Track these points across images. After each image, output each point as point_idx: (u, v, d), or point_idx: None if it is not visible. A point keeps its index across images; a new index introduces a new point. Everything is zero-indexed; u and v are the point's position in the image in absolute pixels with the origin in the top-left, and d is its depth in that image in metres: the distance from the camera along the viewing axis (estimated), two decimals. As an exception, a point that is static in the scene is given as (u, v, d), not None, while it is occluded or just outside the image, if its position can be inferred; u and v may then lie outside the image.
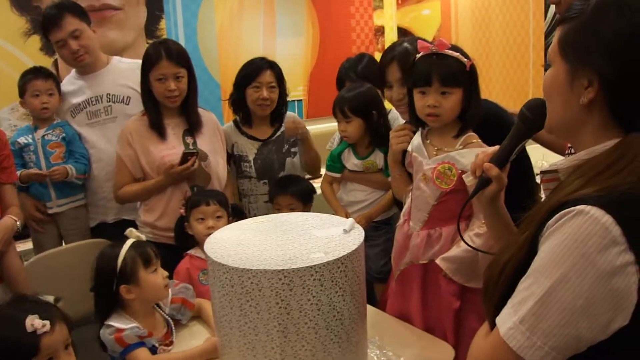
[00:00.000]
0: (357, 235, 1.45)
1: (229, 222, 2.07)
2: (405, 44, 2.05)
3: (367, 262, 2.44)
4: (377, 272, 2.48)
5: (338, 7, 5.19)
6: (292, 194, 2.47)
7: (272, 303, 1.29)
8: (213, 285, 1.39)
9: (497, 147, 1.32)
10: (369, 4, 5.40)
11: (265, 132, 2.70)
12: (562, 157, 1.63)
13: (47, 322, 1.39)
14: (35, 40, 3.72)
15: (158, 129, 2.41)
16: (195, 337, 1.80)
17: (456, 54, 1.71)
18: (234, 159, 2.71)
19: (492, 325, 0.97)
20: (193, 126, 2.46)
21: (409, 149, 1.90)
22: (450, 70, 1.70)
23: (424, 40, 1.78)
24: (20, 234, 2.38)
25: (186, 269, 2.09)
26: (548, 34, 5.07)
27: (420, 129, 1.88)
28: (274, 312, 1.29)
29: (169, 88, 2.34)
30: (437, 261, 1.77)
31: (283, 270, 1.27)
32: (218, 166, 2.51)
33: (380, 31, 5.53)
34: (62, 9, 2.55)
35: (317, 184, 2.72)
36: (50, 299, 2.60)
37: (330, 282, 1.31)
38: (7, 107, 3.50)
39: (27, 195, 2.58)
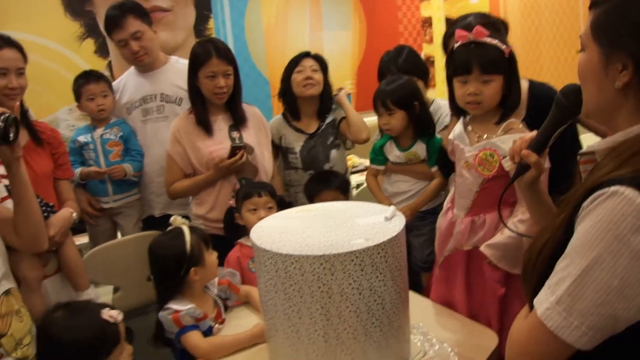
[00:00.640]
0: (398, 223, 1.47)
1: (277, 213, 2.14)
2: (470, 19, 2.05)
3: (412, 251, 2.47)
4: (422, 262, 2.49)
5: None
6: (337, 188, 2.52)
7: (315, 287, 1.33)
8: (259, 271, 1.45)
9: (535, 132, 1.32)
10: (416, -5, 5.37)
11: (312, 126, 2.76)
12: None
13: (120, 312, 1.49)
14: (89, 44, 3.88)
15: (205, 126, 2.49)
16: (243, 319, 1.89)
17: (495, 42, 1.71)
18: (281, 151, 2.79)
19: (531, 307, 0.98)
20: (238, 121, 2.53)
21: (451, 137, 1.90)
22: (490, 58, 1.70)
23: (462, 28, 1.79)
24: (77, 228, 2.50)
25: (236, 257, 2.16)
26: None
27: (461, 117, 1.88)
28: (317, 296, 1.33)
29: (219, 85, 2.41)
30: (482, 248, 1.77)
31: (324, 255, 1.31)
32: (264, 159, 2.58)
33: (427, 22, 5.47)
34: (125, 10, 2.64)
35: (361, 177, 2.74)
36: (109, 289, 2.75)
37: (371, 267, 1.34)
38: (64, 108, 3.66)
39: (82, 191, 2.69)
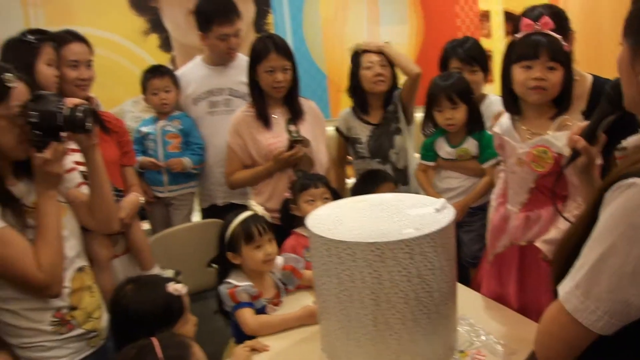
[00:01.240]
0: (448, 214, 1.52)
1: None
2: (539, 9, 2.05)
3: (462, 246, 2.49)
4: (471, 257, 2.51)
5: (442, -7, 5.16)
6: (393, 180, 2.60)
7: (365, 273, 1.40)
8: (314, 256, 1.53)
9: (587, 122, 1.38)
10: (474, -12, 5.31)
11: (377, 117, 2.82)
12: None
13: (185, 285, 1.60)
14: (154, 38, 4.06)
15: (264, 119, 2.59)
16: (301, 301, 1.96)
17: (559, 37, 1.74)
18: (350, 142, 2.88)
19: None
20: (296, 115, 2.61)
21: (498, 130, 1.92)
22: (558, 46, 1.73)
23: (528, 18, 1.81)
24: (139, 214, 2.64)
25: (292, 246, 2.25)
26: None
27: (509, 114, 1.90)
28: (367, 281, 1.40)
29: (277, 79, 2.51)
30: (537, 244, 1.78)
31: (375, 242, 1.38)
32: (319, 152, 2.66)
33: (485, 16, 5.39)
34: (233, 8, 2.78)
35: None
36: (170, 273, 2.88)
37: (420, 256, 1.40)
38: (130, 100, 3.80)
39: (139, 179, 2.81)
